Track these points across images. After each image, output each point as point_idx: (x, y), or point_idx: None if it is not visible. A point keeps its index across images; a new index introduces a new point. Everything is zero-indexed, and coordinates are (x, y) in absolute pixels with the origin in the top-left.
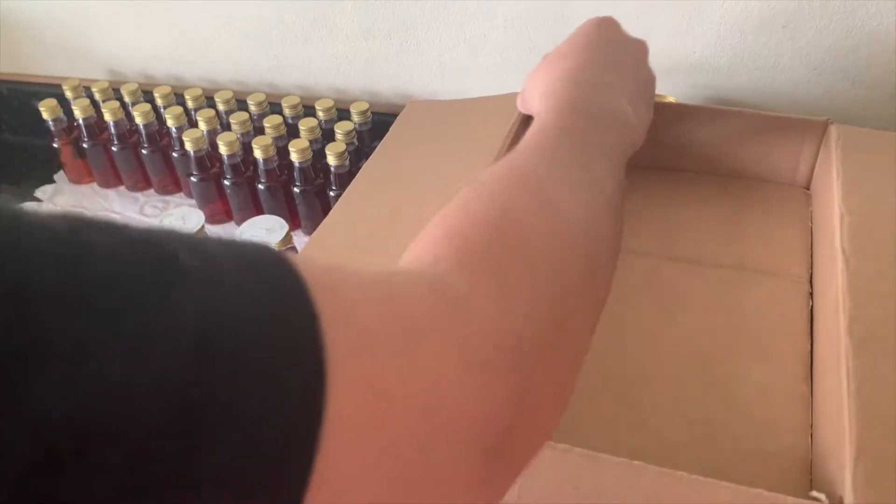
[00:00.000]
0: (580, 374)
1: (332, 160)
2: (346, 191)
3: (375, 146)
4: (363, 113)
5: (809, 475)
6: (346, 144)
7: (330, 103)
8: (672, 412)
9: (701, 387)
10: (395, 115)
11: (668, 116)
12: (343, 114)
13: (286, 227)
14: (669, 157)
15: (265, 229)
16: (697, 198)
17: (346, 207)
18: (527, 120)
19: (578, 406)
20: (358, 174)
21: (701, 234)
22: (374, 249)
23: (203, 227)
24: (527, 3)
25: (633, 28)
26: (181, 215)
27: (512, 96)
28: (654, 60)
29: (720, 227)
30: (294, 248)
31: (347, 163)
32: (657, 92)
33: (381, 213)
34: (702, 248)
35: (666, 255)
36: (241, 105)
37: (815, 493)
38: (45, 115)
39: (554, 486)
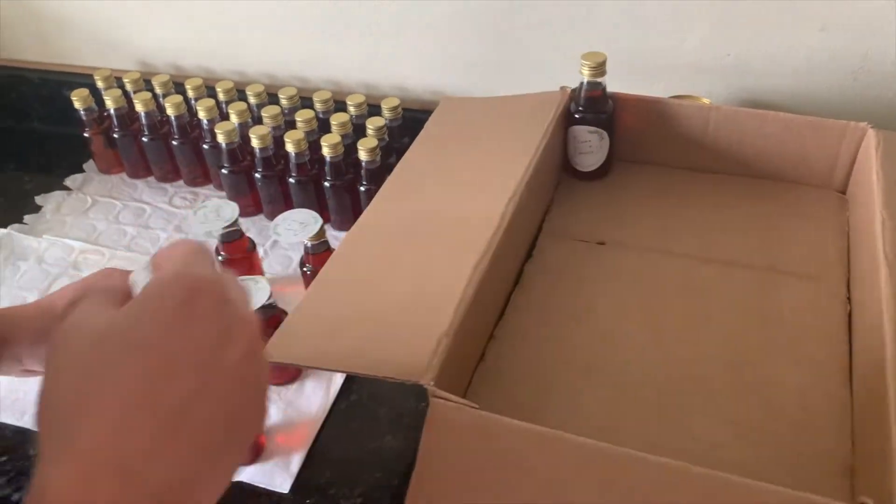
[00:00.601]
0: (619, 371)
1: (363, 156)
2: (382, 187)
3: (405, 142)
4: (394, 109)
5: (850, 480)
6: (378, 140)
7: (361, 98)
8: (710, 413)
9: (738, 389)
10: (425, 112)
11: (702, 119)
12: (373, 109)
13: (320, 220)
14: (705, 159)
15: (299, 223)
16: (733, 200)
17: (382, 204)
18: (564, 119)
19: (618, 405)
20: (394, 170)
21: (736, 236)
22: (410, 246)
23: (237, 219)
24: (557, 3)
25: (666, 30)
26: (215, 207)
27: (547, 94)
28: (689, 62)
29: (755, 230)
30: (326, 243)
31: (378, 158)
32: (692, 94)
33: (417, 209)
34: (737, 250)
35: (701, 257)
36: (272, 99)
37: (864, 499)
38: (76, 105)
39: (596, 485)
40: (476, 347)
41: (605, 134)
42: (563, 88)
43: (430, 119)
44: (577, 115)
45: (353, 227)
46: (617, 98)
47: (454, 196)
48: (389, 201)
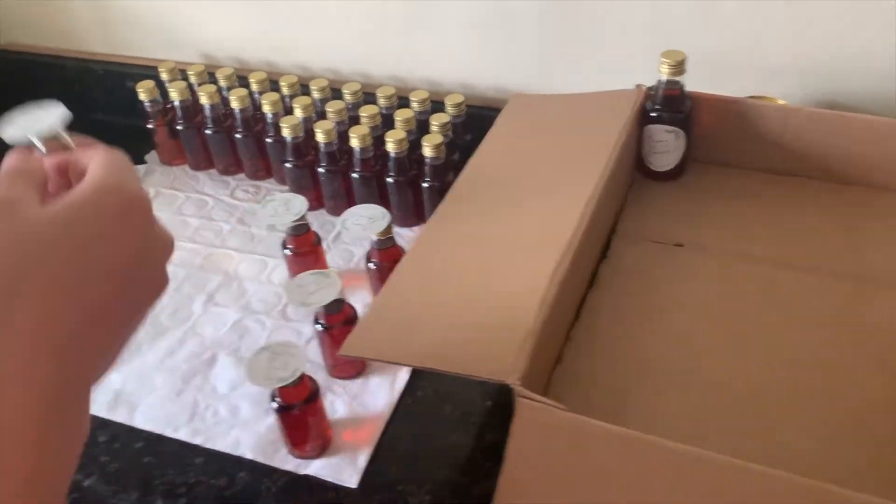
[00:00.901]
0: (700, 376)
1: (428, 152)
2: (454, 185)
3: (468, 139)
4: (458, 105)
5: None
6: (443, 136)
7: (425, 95)
8: (795, 422)
9: (824, 397)
10: (488, 109)
11: (782, 120)
12: (436, 105)
13: (388, 216)
14: (784, 161)
15: (367, 218)
16: (812, 204)
17: (455, 202)
18: (639, 118)
19: (699, 410)
20: (465, 167)
21: (819, 241)
22: (485, 245)
23: (305, 213)
24: (630, 2)
25: (742, 29)
26: (284, 200)
27: (621, 92)
28: (765, 62)
29: (838, 236)
30: (393, 239)
31: (443, 155)
32: (766, 95)
33: (491, 207)
34: (820, 256)
35: (782, 263)
36: (335, 94)
37: None
38: (141, 97)
39: (691, 493)
40: (554, 348)
41: (681, 133)
42: (638, 86)
43: (501, 116)
44: (653, 114)
45: (426, 225)
46: (694, 97)
47: (529, 194)
48: (462, 199)
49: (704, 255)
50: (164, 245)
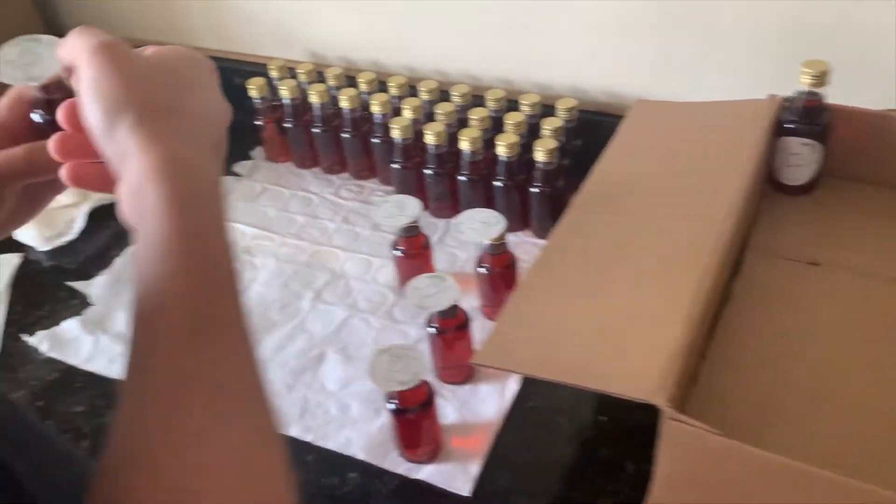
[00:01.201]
0: (846, 403)
1: (540, 157)
2: (581, 193)
3: (577, 144)
4: (570, 110)
5: None
6: (556, 141)
7: (536, 98)
8: None
9: None
10: (600, 114)
11: None
12: (546, 110)
13: (503, 221)
14: None
15: (481, 222)
16: None
17: (583, 211)
18: (773, 129)
19: (848, 440)
20: (591, 175)
21: None
22: (617, 258)
23: (418, 216)
24: (760, 6)
25: (884, 35)
26: (398, 202)
27: (753, 102)
28: (886, 70)
29: None
30: (505, 244)
31: (555, 160)
32: (890, 107)
33: (621, 218)
34: None
35: None
36: (443, 95)
37: None
38: (252, 94)
39: None
40: (692, 367)
41: (818, 146)
42: (772, 96)
43: (625, 122)
44: (788, 126)
45: (553, 235)
46: (833, 109)
47: (662, 206)
48: (591, 208)
49: (841, 274)
50: (227, 109)
